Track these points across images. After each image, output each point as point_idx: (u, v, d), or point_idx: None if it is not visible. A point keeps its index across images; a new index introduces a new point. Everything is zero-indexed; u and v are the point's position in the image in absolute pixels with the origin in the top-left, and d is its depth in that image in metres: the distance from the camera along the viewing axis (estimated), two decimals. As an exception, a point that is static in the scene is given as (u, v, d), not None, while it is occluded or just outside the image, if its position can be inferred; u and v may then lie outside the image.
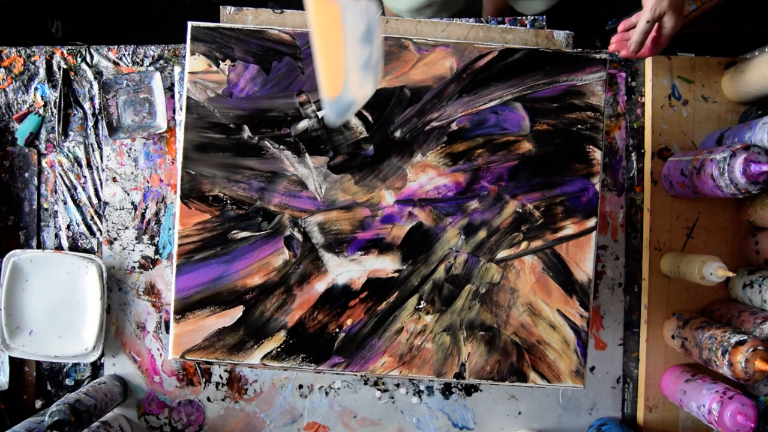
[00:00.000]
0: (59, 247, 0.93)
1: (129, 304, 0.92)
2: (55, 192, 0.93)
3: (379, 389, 0.93)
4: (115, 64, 0.93)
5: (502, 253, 0.74)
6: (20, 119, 0.93)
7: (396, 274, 0.74)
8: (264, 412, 0.93)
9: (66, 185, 0.93)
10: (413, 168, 0.74)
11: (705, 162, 0.79)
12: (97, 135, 0.93)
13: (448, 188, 0.74)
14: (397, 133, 0.74)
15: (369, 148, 0.74)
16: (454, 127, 0.74)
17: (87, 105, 0.93)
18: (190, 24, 0.73)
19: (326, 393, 0.93)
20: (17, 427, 0.82)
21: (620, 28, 0.75)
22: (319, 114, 0.73)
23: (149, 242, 0.92)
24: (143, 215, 0.93)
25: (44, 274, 0.89)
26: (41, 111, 0.93)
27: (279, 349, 0.73)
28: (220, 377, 0.92)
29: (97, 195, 0.93)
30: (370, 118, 0.73)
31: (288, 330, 0.73)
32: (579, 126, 0.74)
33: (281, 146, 0.73)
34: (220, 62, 0.73)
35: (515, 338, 0.74)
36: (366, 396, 0.92)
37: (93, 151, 0.93)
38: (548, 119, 0.74)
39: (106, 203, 0.93)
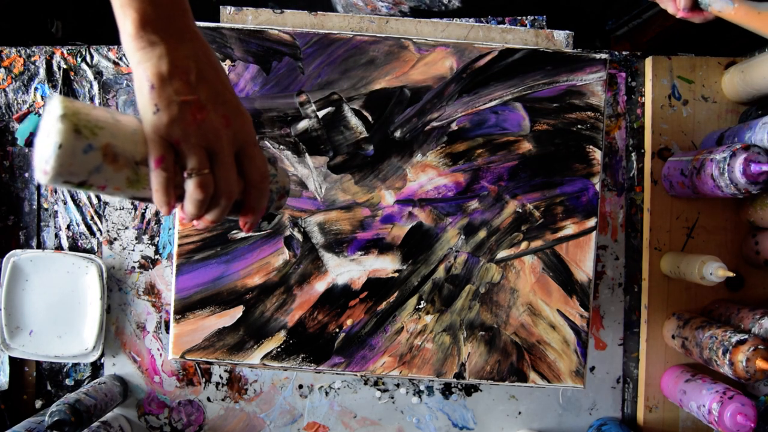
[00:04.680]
0: (59, 247, 0.93)
1: (129, 304, 0.92)
2: (55, 192, 0.93)
3: (379, 389, 0.93)
4: (115, 64, 0.93)
5: (502, 253, 0.74)
6: (20, 119, 0.93)
7: (396, 274, 0.74)
8: (264, 412, 0.93)
9: (66, 185, 0.93)
10: (413, 168, 0.74)
11: (705, 162, 0.79)
12: (97, 135, 0.93)
13: (448, 188, 0.74)
14: (397, 133, 0.74)
15: (369, 148, 0.74)
16: (454, 127, 0.74)
17: (87, 105, 0.93)
18: (190, 24, 0.73)
19: (326, 393, 0.93)
20: (17, 427, 0.82)
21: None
22: (319, 114, 0.73)
23: (149, 242, 0.92)
24: (143, 215, 0.92)
25: (44, 274, 0.89)
26: (41, 111, 0.93)
27: (279, 349, 0.73)
28: (220, 377, 0.92)
29: (97, 195, 0.93)
30: (370, 118, 0.73)
31: (288, 330, 0.73)
32: (579, 126, 0.74)
33: (281, 146, 0.73)
34: (220, 62, 0.73)
35: (515, 338, 0.74)
36: (366, 396, 0.92)
37: (93, 151, 0.93)
38: (548, 119, 0.74)
39: (106, 203, 0.93)
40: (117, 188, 0.43)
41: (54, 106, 0.41)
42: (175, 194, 0.44)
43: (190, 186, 0.44)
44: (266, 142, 0.73)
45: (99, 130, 0.41)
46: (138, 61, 0.43)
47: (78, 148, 0.40)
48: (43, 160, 0.40)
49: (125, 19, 0.43)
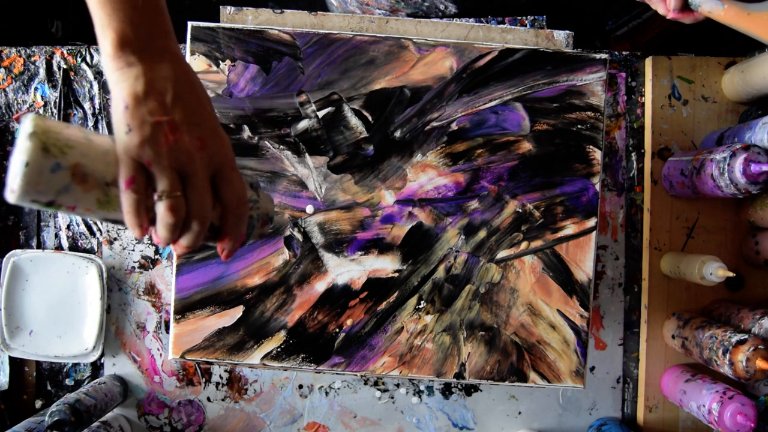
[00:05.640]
0: (59, 247, 0.93)
1: (129, 304, 0.92)
2: (55, 192, 0.93)
3: (379, 389, 0.93)
4: (115, 64, 0.93)
5: (502, 253, 0.74)
6: (20, 119, 0.93)
7: (396, 274, 0.74)
8: (264, 412, 0.93)
9: (66, 185, 0.93)
10: (413, 168, 0.74)
11: (705, 162, 0.79)
12: (97, 135, 0.93)
13: (448, 188, 0.74)
14: (397, 133, 0.74)
15: (369, 148, 0.74)
16: (454, 127, 0.74)
17: (87, 105, 0.93)
18: (190, 24, 0.73)
19: (326, 393, 0.93)
20: (17, 427, 0.82)
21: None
22: (319, 114, 0.73)
23: (149, 242, 0.92)
24: (143, 215, 0.92)
25: (44, 274, 0.89)
26: (41, 111, 0.93)
27: (279, 349, 0.73)
28: (220, 377, 0.92)
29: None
30: (370, 118, 0.73)
31: (288, 330, 0.73)
32: (579, 126, 0.74)
33: (281, 146, 0.73)
34: (220, 62, 0.73)
35: (515, 338, 0.74)
36: (366, 396, 0.92)
37: (93, 151, 0.93)
38: (548, 119, 0.74)
39: (106, 203, 0.93)
40: (87, 209, 0.43)
41: (25, 125, 0.40)
42: (147, 216, 0.43)
43: (161, 208, 0.42)
44: (266, 142, 0.73)
45: (69, 149, 0.41)
46: (115, 81, 0.43)
47: (45, 166, 0.40)
48: (11, 178, 0.40)
49: (104, 39, 0.43)
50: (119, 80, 0.43)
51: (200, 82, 0.47)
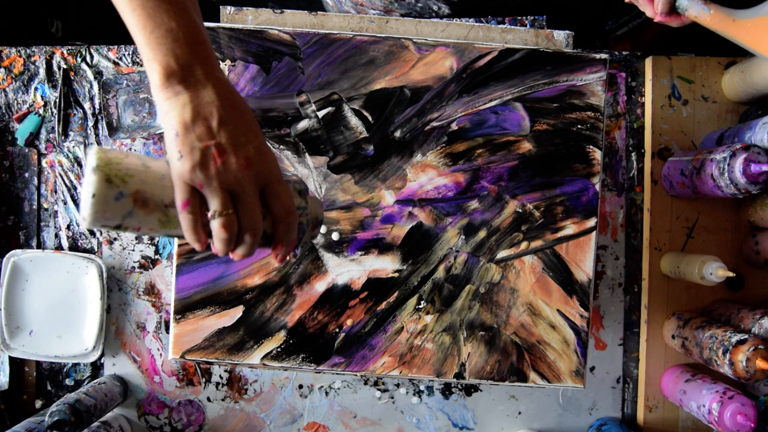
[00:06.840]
0: (59, 247, 0.93)
1: (129, 304, 0.92)
2: (55, 192, 0.93)
3: (379, 389, 0.93)
4: (115, 64, 0.93)
5: (502, 253, 0.74)
6: (20, 119, 0.93)
7: (396, 274, 0.74)
8: (264, 412, 0.93)
9: (66, 185, 0.93)
10: (413, 168, 0.74)
11: (705, 162, 0.79)
12: (97, 135, 0.93)
13: (448, 188, 0.74)
14: (397, 133, 0.74)
15: (369, 148, 0.74)
16: (454, 127, 0.74)
17: (87, 105, 0.93)
18: (190, 24, 0.72)
19: (326, 393, 0.93)
20: (17, 427, 0.82)
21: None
22: (319, 114, 0.73)
23: (149, 242, 0.92)
24: (143, 215, 0.92)
25: (44, 274, 0.89)
26: (41, 111, 0.93)
27: (279, 349, 0.73)
28: (220, 377, 0.92)
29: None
30: (370, 118, 0.73)
31: (288, 330, 0.73)
32: (579, 126, 0.74)
33: (281, 146, 0.73)
34: (220, 62, 0.73)
35: (515, 338, 0.74)
36: (366, 396, 0.92)
37: (93, 151, 0.93)
38: (548, 119, 0.74)
39: (106, 203, 0.93)
40: (151, 229, 0.47)
41: (90, 158, 0.45)
42: (204, 232, 0.47)
43: (215, 226, 0.46)
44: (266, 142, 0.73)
45: (129, 177, 0.45)
46: (165, 110, 0.46)
47: (110, 196, 0.44)
48: (83, 208, 0.44)
49: (152, 71, 0.46)
50: (169, 109, 0.46)
51: (244, 101, 0.50)
